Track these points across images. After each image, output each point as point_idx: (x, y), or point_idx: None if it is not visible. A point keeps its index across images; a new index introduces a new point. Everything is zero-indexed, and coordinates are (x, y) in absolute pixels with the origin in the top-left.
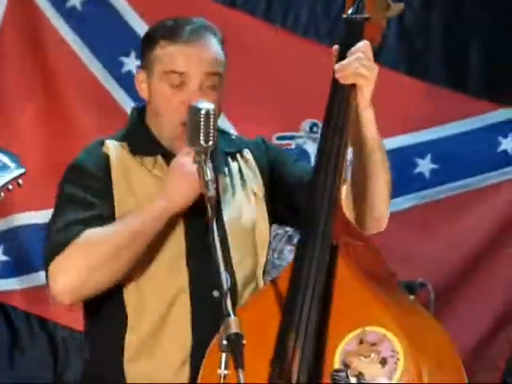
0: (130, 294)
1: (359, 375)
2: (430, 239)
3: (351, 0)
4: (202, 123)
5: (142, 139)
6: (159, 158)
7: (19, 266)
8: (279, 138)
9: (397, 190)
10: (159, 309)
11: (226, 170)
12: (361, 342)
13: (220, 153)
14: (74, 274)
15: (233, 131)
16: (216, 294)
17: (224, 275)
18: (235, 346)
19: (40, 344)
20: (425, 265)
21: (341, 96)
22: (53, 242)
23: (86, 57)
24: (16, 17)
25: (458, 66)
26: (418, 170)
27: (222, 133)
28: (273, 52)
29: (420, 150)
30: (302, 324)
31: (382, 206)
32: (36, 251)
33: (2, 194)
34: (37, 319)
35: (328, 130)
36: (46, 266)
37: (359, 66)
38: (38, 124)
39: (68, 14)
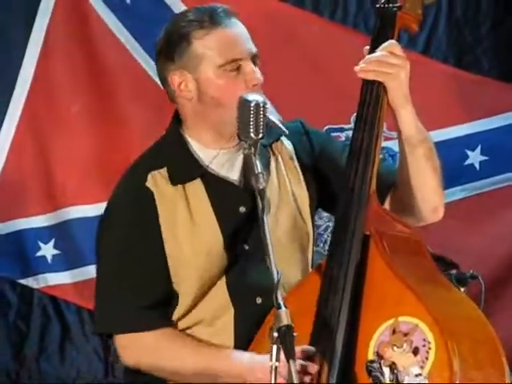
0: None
1: (392, 365)
2: (480, 231)
3: None
4: (252, 116)
5: (181, 160)
6: (198, 181)
7: (70, 259)
8: (329, 131)
9: (447, 182)
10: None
11: (262, 166)
12: (394, 332)
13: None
14: (138, 360)
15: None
16: (259, 300)
17: (275, 268)
18: (286, 337)
19: (91, 338)
20: (474, 257)
21: (370, 93)
22: (125, 315)
23: (135, 49)
24: (64, 10)
25: (508, 57)
26: (468, 161)
27: None
28: (323, 45)
29: (470, 141)
30: (333, 315)
31: (435, 197)
32: (88, 245)
33: None
34: (88, 313)
35: (359, 125)
36: (111, 331)
37: (381, 63)
38: (88, 118)
39: (117, 7)
